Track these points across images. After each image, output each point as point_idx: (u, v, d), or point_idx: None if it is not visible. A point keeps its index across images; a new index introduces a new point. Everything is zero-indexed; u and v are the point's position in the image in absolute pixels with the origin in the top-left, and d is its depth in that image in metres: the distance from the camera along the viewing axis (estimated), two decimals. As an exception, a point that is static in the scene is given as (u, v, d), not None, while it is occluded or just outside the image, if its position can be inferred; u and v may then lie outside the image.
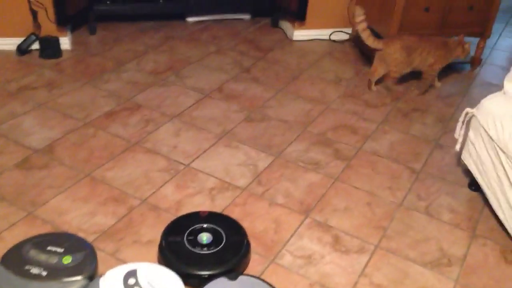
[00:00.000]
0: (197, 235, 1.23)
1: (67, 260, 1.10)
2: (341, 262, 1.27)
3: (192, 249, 1.19)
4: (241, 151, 1.60)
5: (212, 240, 1.22)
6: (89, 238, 1.25)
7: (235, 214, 1.36)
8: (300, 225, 1.36)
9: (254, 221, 1.35)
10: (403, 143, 1.68)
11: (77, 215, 1.32)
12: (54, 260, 1.11)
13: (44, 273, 1.08)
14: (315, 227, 1.36)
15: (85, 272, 1.08)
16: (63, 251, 1.12)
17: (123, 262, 1.20)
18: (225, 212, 1.36)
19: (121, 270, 1.08)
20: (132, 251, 1.23)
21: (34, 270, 1.09)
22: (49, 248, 1.12)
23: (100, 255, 1.20)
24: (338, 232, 1.35)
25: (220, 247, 1.20)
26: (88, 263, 1.10)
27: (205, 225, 1.25)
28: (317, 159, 1.59)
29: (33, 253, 1.11)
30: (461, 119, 1.48)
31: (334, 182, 1.51)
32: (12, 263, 1.10)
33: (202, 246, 1.20)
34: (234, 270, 1.18)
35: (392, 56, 1.89)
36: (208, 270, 1.15)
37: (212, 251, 1.19)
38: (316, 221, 1.38)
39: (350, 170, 1.56)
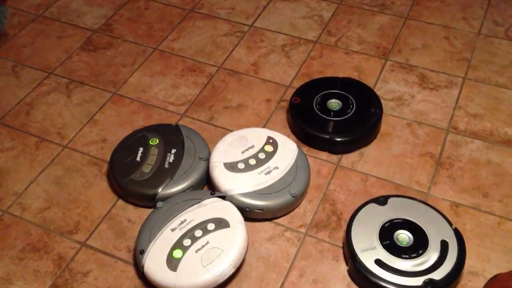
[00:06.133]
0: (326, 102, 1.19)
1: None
2: (433, 98, 1.26)
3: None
4: (302, 2, 1.52)
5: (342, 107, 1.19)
6: (180, 110, 1.23)
7: (314, 67, 1.33)
8: (382, 69, 1.33)
9: (336, 71, 1.32)
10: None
11: (161, 89, 1.29)
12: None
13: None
14: (398, 69, 1.33)
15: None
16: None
17: (222, 128, 1.19)
18: (305, 66, 1.33)
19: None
20: (226, 117, 1.22)
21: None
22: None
23: (197, 123, 1.19)
24: (422, 70, 1.32)
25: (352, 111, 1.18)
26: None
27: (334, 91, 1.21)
28: (381, 0, 1.51)
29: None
30: None
31: (405, 21, 1.46)
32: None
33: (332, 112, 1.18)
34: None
35: None
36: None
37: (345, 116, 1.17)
38: (397, 62, 1.34)
39: (419, 6, 1.49)
